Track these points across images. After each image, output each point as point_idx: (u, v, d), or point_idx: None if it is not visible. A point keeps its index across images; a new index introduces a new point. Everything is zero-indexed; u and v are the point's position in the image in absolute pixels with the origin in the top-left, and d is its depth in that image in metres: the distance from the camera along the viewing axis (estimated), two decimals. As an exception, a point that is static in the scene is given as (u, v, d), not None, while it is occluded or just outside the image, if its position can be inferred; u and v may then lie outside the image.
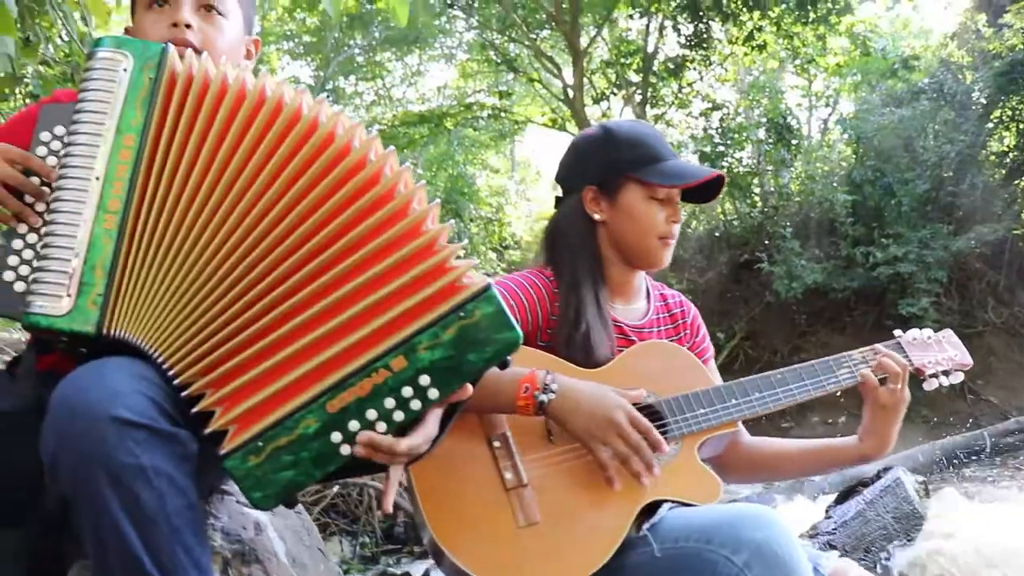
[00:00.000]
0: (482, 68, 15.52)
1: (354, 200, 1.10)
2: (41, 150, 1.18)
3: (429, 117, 13.20)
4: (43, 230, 1.13)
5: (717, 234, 11.82)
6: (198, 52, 1.23)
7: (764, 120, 11.12)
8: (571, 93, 12.62)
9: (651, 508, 1.46)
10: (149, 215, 1.13)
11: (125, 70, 1.16)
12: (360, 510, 4.42)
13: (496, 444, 1.45)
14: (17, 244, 1.14)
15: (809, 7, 10.69)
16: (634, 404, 1.44)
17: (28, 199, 1.15)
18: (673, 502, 1.48)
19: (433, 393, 1.08)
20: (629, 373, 1.53)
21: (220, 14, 1.35)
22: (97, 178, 1.12)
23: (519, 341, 1.10)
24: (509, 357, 1.12)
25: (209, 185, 1.13)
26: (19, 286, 1.13)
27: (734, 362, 9.84)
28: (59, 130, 1.18)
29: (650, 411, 1.50)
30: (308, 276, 1.10)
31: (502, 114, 13.93)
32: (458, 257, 1.10)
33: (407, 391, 1.07)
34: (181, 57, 1.18)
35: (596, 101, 12.72)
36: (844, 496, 3.22)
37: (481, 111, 13.79)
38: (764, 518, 1.31)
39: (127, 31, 1.40)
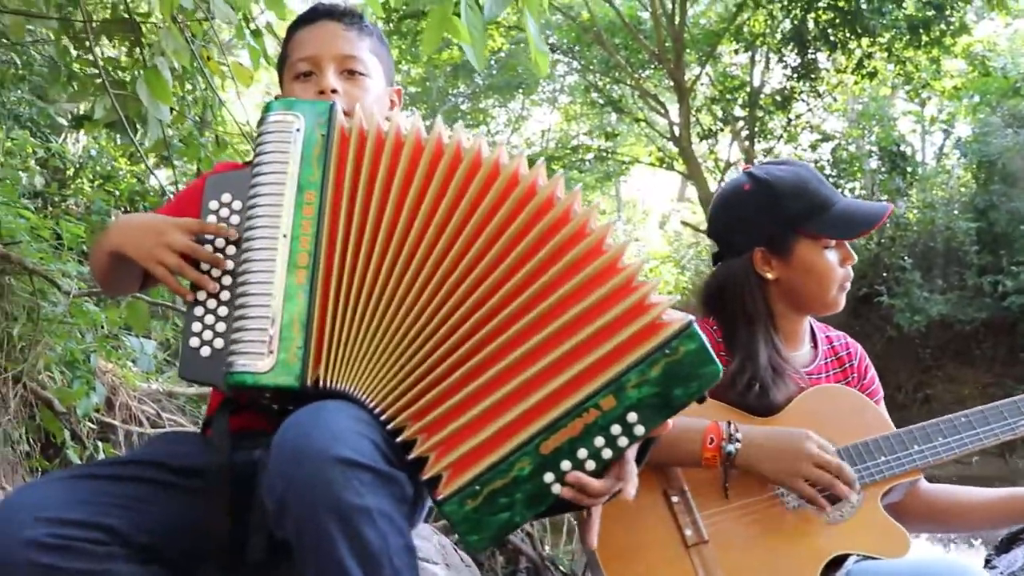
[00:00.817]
0: (585, 110, 15.67)
1: (547, 239, 1.11)
2: (211, 219, 1.21)
3: (535, 161, 13.41)
4: (237, 290, 1.16)
5: (834, 268, 11.54)
6: (348, 115, 1.26)
7: (876, 149, 10.86)
8: (677, 131, 12.63)
9: (836, 562, 1.43)
10: (341, 267, 1.16)
11: (298, 130, 1.20)
12: (482, 556, 4.52)
13: (675, 499, 1.43)
14: (198, 311, 1.18)
15: (922, 31, 10.41)
16: None
17: (204, 266, 1.19)
18: (859, 556, 1.45)
19: (639, 430, 1.09)
20: (803, 420, 1.48)
21: (363, 75, 1.39)
22: (284, 235, 1.15)
23: (720, 373, 1.10)
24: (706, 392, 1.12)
25: (401, 233, 1.15)
26: (205, 351, 1.17)
27: (857, 399, 9.53)
28: (226, 197, 1.22)
29: None
30: (510, 317, 1.11)
31: (607, 155, 14.03)
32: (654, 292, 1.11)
33: (616, 429, 1.08)
34: (346, 114, 1.23)
35: (703, 138, 12.68)
36: (1007, 543, 3.05)
37: (586, 153, 13.93)
38: (966, 573, 1.28)
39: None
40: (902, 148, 10.77)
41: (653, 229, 16.16)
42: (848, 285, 1.59)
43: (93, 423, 2.83)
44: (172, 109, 2.74)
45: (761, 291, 1.57)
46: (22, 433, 2.58)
